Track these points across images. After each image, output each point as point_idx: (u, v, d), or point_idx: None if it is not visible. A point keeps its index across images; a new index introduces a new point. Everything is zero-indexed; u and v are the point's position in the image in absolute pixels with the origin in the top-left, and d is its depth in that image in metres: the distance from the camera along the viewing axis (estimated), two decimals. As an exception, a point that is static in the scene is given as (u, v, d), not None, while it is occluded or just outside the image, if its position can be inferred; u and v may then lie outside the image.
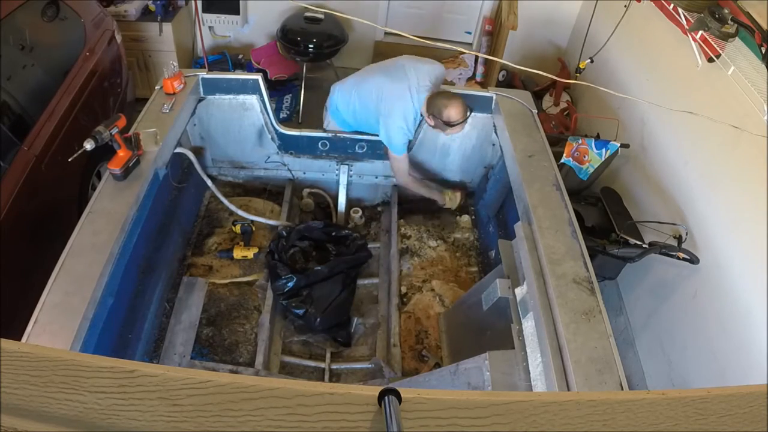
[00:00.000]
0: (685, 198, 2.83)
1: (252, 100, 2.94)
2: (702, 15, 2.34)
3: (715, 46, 2.48)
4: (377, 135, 2.90)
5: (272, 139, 3.10)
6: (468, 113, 2.65)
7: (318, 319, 2.62)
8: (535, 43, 4.84)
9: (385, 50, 4.96)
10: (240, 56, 4.93)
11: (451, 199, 3.14)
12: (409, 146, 3.09)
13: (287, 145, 3.14)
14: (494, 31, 4.67)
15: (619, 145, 3.19)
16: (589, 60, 3.87)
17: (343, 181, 3.22)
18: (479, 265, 3.03)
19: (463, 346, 2.48)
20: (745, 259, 2.36)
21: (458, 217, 3.27)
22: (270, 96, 3.01)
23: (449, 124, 2.64)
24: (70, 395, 0.59)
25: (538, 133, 2.71)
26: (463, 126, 2.71)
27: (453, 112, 2.60)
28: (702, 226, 2.67)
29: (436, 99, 2.65)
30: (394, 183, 3.32)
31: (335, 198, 3.28)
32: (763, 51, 2.17)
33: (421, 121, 2.96)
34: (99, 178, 2.97)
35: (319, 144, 3.12)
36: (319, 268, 2.74)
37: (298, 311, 2.65)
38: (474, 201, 3.37)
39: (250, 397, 0.59)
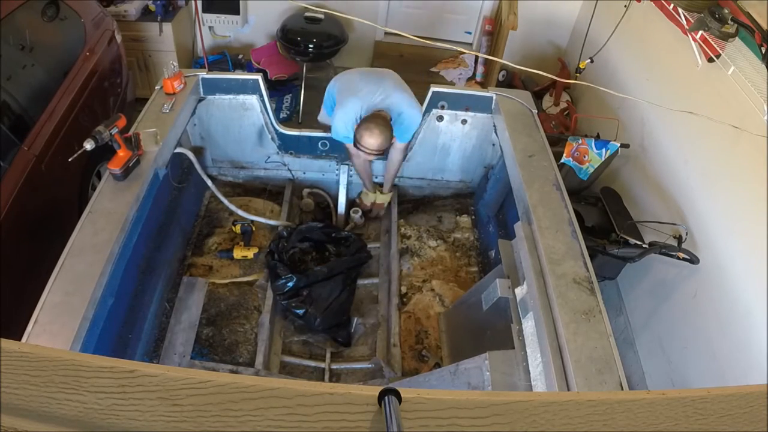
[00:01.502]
0: (685, 198, 2.83)
1: (252, 100, 2.94)
2: (702, 15, 2.34)
3: (715, 46, 2.48)
4: None
5: (272, 139, 3.10)
6: (378, 152, 2.63)
7: (318, 319, 2.63)
8: (535, 43, 4.84)
9: (385, 50, 4.96)
10: (240, 56, 4.93)
11: (366, 195, 3.15)
12: (411, 145, 3.09)
13: (287, 145, 3.14)
14: (494, 31, 4.67)
15: (619, 145, 3.19)
16: (589, 60, 3.87)
17: (343, 181, 3.22)
18: (479, 265, 3.03)
19: (463, 346, 2.48)
20: (745, 259, 2.36)
21: (458, 217, 3.27)
22: (270, 96, 3.01)
23: (358, 144, 2.62)
24: (70, 395, 0.59)
25: (538, 133, 2.71)
26: (369, 157, 2.70)
27: (367, 138, 2.57)
28: (702, 226, 2.67)
29: (371, 117, 2.61)
30: (394, 183, 3.32)
31: (335, 198, 3.28)
32: (763, 51, 2.17)
33: (421, 122, 2.95)
34: (99, 178, 2.97)
35: (319, 144, 3.12)
36: (319, 268, 2.75)
37: (298, 311, 2.66)
38: (474, 201, 3.37)
39: (250, 397, 0.59)
